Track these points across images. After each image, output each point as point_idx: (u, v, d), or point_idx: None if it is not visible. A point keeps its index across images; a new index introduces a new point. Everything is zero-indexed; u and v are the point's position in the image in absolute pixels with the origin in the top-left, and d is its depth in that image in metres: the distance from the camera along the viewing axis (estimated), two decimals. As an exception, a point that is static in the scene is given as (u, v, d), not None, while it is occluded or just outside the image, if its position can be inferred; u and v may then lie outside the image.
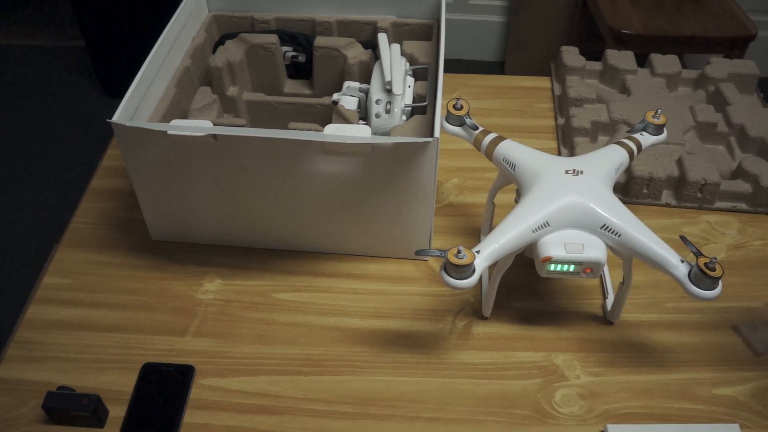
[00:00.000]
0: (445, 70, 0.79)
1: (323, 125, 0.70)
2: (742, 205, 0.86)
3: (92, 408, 0.63)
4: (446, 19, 0.85)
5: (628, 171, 0.85)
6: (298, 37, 0.92)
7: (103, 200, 0.88)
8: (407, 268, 0.79)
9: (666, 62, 1.03)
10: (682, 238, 0.63)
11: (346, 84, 0.83)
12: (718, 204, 0.86)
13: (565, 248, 0.61)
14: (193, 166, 0.72)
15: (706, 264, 0.58)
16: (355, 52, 0.87)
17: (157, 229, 0.81)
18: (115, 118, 0.68)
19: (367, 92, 0.82)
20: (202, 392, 0.68)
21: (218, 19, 0.94)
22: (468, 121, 0.72)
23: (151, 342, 0.72)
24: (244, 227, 0.79)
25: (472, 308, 0.75)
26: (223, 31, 0.95)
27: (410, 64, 0.88)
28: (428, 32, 0.91)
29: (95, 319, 0.74)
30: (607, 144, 0.76)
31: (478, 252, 0.59)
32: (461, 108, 0.72)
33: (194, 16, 0.90)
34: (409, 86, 0.80)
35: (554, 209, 0.62)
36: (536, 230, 0.62)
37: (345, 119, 0.86)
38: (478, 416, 0.66)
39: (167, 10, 0.85)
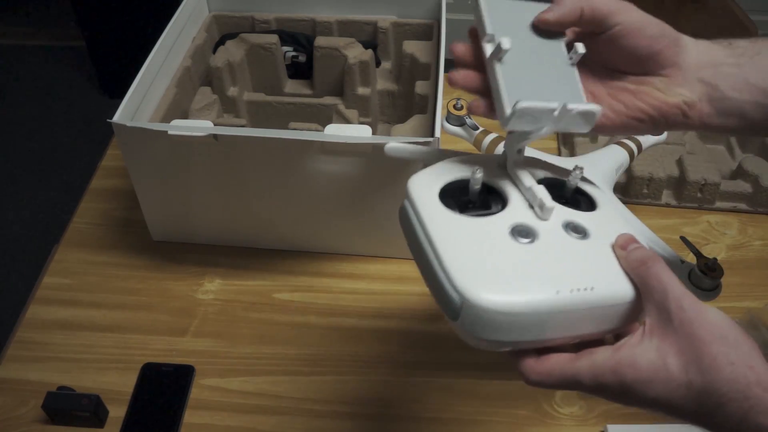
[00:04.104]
0: (446, 70, 0.79)
1: (323, 125, 0.70)
2: (742, 205, 0.86)
3: (92, 408, 0.63)
4: (446, 19, 0.85)
5: (628, 171, 0.85)
6: (299, 37, 0.92)
7: (103, 200, 0.88)
8: (407, 268, 0.79)
9: (666, 62, 1.03)
10: (683, 238, 0.63)
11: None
12: (718, 204, 0.86)
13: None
14: (193, 166, 0.72)
15: (706, 264, 0.58)
16: (356, 52, 0.87)
17: (157, 229, 0.81)
18: (116, 118, 0.68)
19: None
20: (202, 392, 0.67)
21: (218, 19, 0.94)
22: (468, 121, 0.72)
23: (151, 342, 0.72)
24: (244, 227, 0.79)
25: (472, 308, 0.75)
26: (224, 31, 0.95)
27: (412, 64, 0.88)
28: (429, 32, 0.91)
29: (95, 319, 0.74)
30: (607, 144, 0.76)
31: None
32: (462, 108, 0.72)
33: (194, 16, 0.89)
34: None
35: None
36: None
37: (345, 119, 0.87)
38: (478, 416, 0.66)
39: (167, 10, 0.85)
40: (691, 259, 0.60)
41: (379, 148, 0.68)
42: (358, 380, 0.69)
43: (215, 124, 0.70)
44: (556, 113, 0.40)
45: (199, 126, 0.69)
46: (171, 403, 0.66)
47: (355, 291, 0.77)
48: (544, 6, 0.43)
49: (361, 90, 0.88)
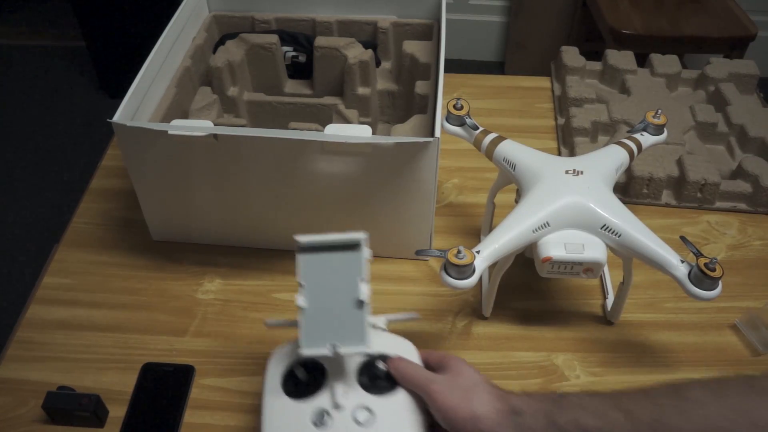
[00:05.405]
0: (445, 70, 0.79)
1: (323, 125, 0.70)
2: (742, 205, 0.86)
3: (92, 408, 0.63)
4: (446, 19, 0.85)
5: (628, 171, 0.85)
6: (299, 37, 0.92)
7: (103, 200, 0.88)
8: (407, 268, 0.79)
9: (666, 62, 1.03)
10: (682, 238, 0.63)
11: None
12: (718, 204, 0.86)
13: (565, 248, 0.61)
14: (193, 166, 0.72)
15: (706, 264, 0.58)
16: (356, 52, 0.87)
17: (157, 229, 0.81)
18: (116, 118, 0.68)
19: None
20: (202, 392, 0.68)
21: (218, 19, 0.94)
22: (468, 121, 0.72)
23: (151, 342, 0.72)
24: (244, 227, 0.79)
25: (472, 308, 0.75)
26: (224, 31, 0.95)
27: (412, 64, 0.88)
28: (428, 32, 0.91)
29: (95, 319, 0.74)
30: (607, 144, 0.76)
31: (478, 252, 0.59)
32: (461, 108, 0.72)
33: (194, 16, 0.89)
34: None
35: (554, 209, 0.62)
36: (536, 230, 0.62)
37: (345, 119, 0.87)
38: (478, 416, 0.66)
39: (167, 10, 0.85)
40: (691, 259, 0.60)
41: (379, 148, 0.68)
42: (358, 380, 0.68)
43: (215, 124, 0.70)
44: (332, 353, 0.53)
45: (199, 126, 0.69)
46: (171, 403, 0.66)
47: (355, 291, 0.77)
48: (351, 255, 0.55)
49: (361, 90, 0.88)
